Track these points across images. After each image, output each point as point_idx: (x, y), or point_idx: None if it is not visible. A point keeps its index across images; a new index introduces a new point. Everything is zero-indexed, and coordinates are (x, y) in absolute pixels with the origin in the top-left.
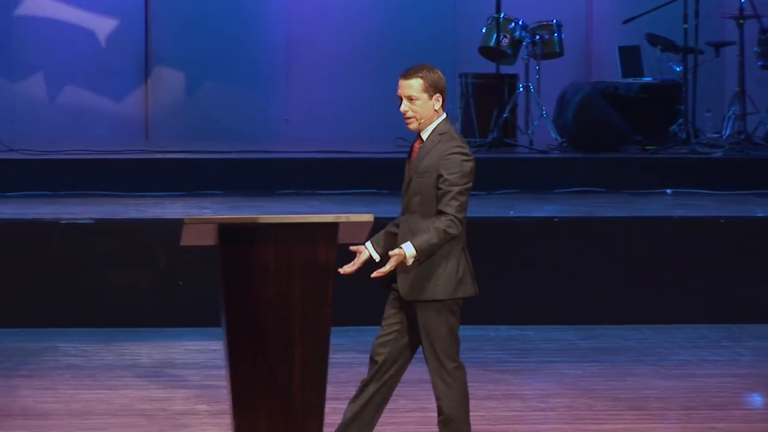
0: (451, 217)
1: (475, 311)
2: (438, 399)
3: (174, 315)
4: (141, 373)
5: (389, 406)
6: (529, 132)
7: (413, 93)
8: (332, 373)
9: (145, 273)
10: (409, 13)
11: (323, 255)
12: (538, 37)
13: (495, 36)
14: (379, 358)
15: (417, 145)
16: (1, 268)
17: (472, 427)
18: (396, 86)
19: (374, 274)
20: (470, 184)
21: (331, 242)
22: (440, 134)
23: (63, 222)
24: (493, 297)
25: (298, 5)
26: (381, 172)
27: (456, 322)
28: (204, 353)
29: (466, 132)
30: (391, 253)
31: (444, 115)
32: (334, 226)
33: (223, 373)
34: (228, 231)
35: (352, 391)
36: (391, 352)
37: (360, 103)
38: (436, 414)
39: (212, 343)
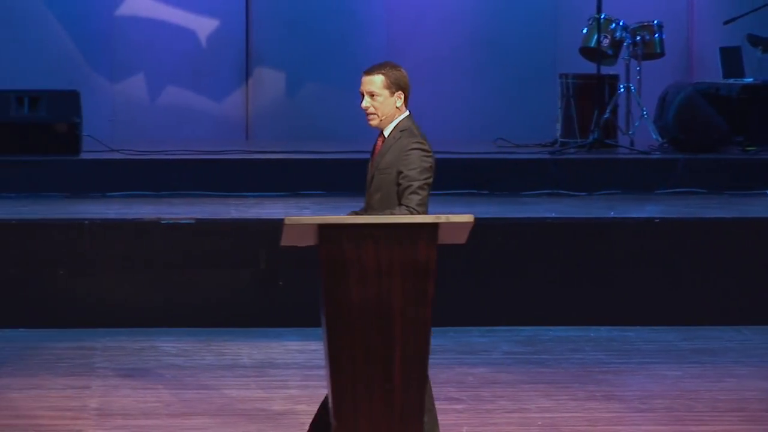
0: (412, 209)
1: (575, 312)
2: None
3: (274, 315)
4: (241, 373)
5: (487, 407)
6: (630, 132)
7: (375, 89)
8: (432, 374)
9: (246, 273)
10: (510, 13)
11: (423, 255)
12: (638, 37)
13: (596, 37)
14: None
15: (379, 142)
16: (102, 267)
17: (577, 427)
18: (495, 86)
19: None
20: (431, 180)
21: (431, 243)
22: (401, 131)
23: (164, 222)
24: (593, 298)
25: (398, 6)
26: (480, 173)
27: None
28: (304, 353)
29: (566, 132)
30: None
31: (407, 113)
32: (435, 226)
33: (323, 373)
34: (328, 231)
35: (453, 392)
36: None
37: (459, 104)
38: (536, 414)
39: (312, 344)
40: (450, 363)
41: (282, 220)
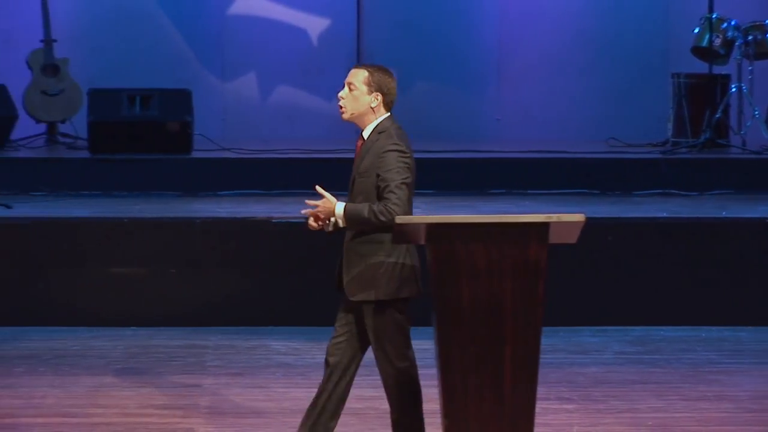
0: (389, 206)
1: (686, 311)
2: (389, 398)
3: None
4: None
5: (597, 407)
6: (742, 132)
7: (354, 81)
8: (543, 374)
9: None
10: (621, 12)
11: (534, 255)
12: (751, 37)
13: (707, 36)
14: (332, 359)
15: (359, 144)
16: (213, 266)
17: (688, 428)
18: (606, 85)
19: (305, 211)
20: (409, 179)
21: (542, 242)
22: (379, 133)
23: (275, 221)
24: (704, 298)
25: (509, 4)
26: (592, 172)
27: (403, 320)
28: (416, 352)
29: (678, 132)
30: (319, 203)
31: (387, 114)
32: (545, 226)
33: (434, 372)
34: (438, 231)
35: (564, 392)
36: (344, 354)
37: (571, 103)
38: (647, 414)
39: (423, 342)
40: (561, 363)
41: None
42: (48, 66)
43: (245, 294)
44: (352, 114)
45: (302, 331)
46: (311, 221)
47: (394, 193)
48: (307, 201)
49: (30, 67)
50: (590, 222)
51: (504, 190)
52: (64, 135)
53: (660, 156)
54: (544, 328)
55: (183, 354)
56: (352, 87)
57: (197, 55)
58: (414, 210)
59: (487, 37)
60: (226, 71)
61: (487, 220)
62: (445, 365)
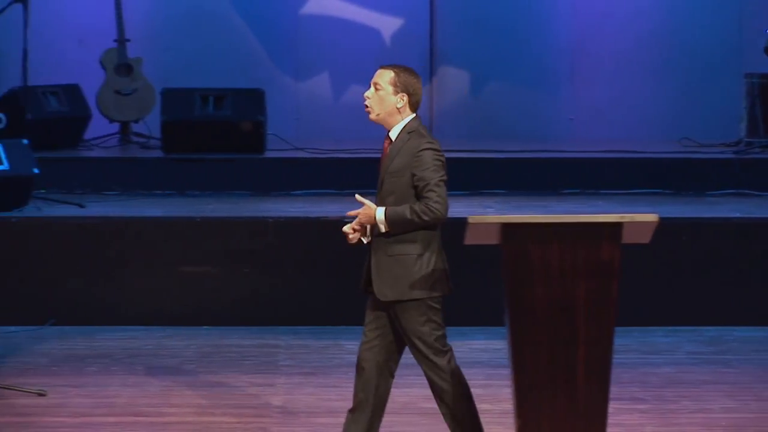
0: (430, 205)
1: (760, 312)
2: (438, 395)
3: (458, 314)
4: None
5: (670, 407)
6: None
7: (381, 82)
8: (615, 374)
9: None
10: (694, 12)
11: (607, 255)
12: None
13: None
14: (367, 365)
15: (386, 144)
16: (286, 266)
17: (762, 428)
18: (679, 85)
19: (346, 229)
20: (445, 177)
21: (615, 242)
22: (409, 132)
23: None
24: None
25: (582, 3)
26: (665, 172)
27: (438, 316)
28: (487, 352)
29: (752, 131)
30: (360, 211)
31: (413, 115)
32: (618, 226)
33: (507, 372)
34: (511, 230)
35: (637, 392)
36: (376, 358)
37: (644, 102)
38: (720, 415)
39: (496, 342)
40: (634, 363)
41: (465, 218)
42: (121, 65)
43: (318, 293)
44: (378, 114)
45: None
46: (351, 234)
47: (434, 191)
48: (349, 213)
49: (103, 67)
50: (663, 222)
51: (577, 190)
52: (137, 134)
53: (733, 156)
54: (617, 329)
55: (255, 353)
56: (378, 87)
57: (270, 54)
58: (486, 210)
59: (560, 36)
60: (299, 71)
61: (561, 220)
62: (518, 365)
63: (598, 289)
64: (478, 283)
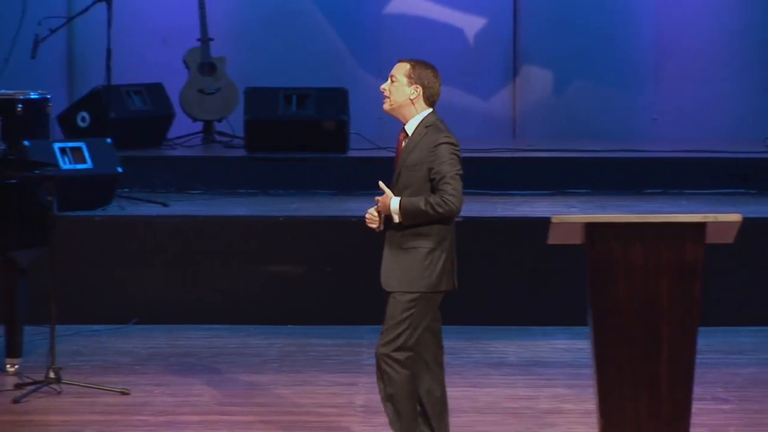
0: (445, 198)
1: None
2: (379, 382)
3: (541, 313)
4: (508, 371)
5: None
6: None
7: (396, 74)
8: (699, 374)
9: (511, 271)
10: None
11: (690, 255)
12: None
13: None
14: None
15: (402, 138)
16: (368, 265)
17: None
18: (765, 84)
19: (369, 215)
20: (461, 171)
21: (698, 242)
22: (426, 127)
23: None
24: None
25: (667, 3)
26: (749, 172)
27: (432, 314)
28: (571, 352)
29: None
30: (379, 198)
31: (430, 110)
32: (702, 226)
33: (590, 372)
34: (595, 230)
35: (720, 392)
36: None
37: (728, 102)
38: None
39: (579, 342)
40: (717, 363)
41: (549, 218)
42: (205, 64)
43: None
44: (392, 105)
45: (459, 330)
46: (368, 219)
47: (450, 184)
48: (377, 198)
49: (187, 66)
50: (747, 222)
51: (660, 190)
52: (221, 133)
53: None
54: (700, 329)
55: (339, 352)
56: (393, 79)
57: (354, 53)
58: (569, 209)
59: (644, 35)
60: (382, 70)
61: (644, 220)
62: (601, 365)
63: (681, 288)
64: (562, 283)
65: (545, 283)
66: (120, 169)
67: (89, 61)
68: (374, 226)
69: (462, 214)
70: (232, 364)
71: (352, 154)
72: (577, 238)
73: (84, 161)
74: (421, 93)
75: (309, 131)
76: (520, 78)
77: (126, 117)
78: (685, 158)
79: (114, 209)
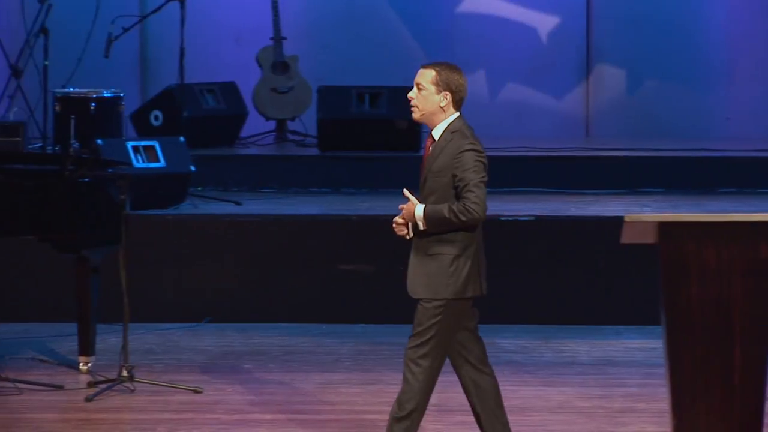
0: (468, 206)
1: None
2: (406, 388)
3: (613, 313)
4: (580, 370)
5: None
6: None
7: (422, 82)
8: None
9: (584, 270)
10: None
11: (764, 254)
12: None
13: None
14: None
15: (429, 143)
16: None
17: None
18: None
19: (395, 224)
20: (486, 179)
21: None
22: (452, 132)
23: (503, 218)
24: None
25: (739, 2)
26: None
27: (457, 321)
28: (644, 351)
29: None
30: (403, 206)
31: (457, 114)
32: None
33: (663, 371)
34: (668, 229)
35: None
36: (451, 354)
37: None
38: None
39: (652, 342)
40: None
41: (622, 217)
42: (278, 63)
43: None
44: (422, 114)
45: (530, 329)
46: (396, 227)
47: (473, 191)
48: (401, 206)
49: (260, 65)
50: None
51: (733, 189)
52: (293, 132)
53: None
54: None
55: None
56: (420, 87)
57: (426, 52)
58: (642, 209)
59: (717, 33)
60: None
61: (718, 219)
62: (673, 364)
63: (754, 288)
64: (634, 282)
65: (618, 283)
66: (193, 168)
67: (162, 59)
68: (403, 233)
69: (535, 213)
70: (304, 362)
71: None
72: (650, 238)
73: (157, 160)
74: (450, 99)
75: (381, 130)
76: (593, 77)
77: (199, 116)
78: (759, 158)
79: (187, 208)
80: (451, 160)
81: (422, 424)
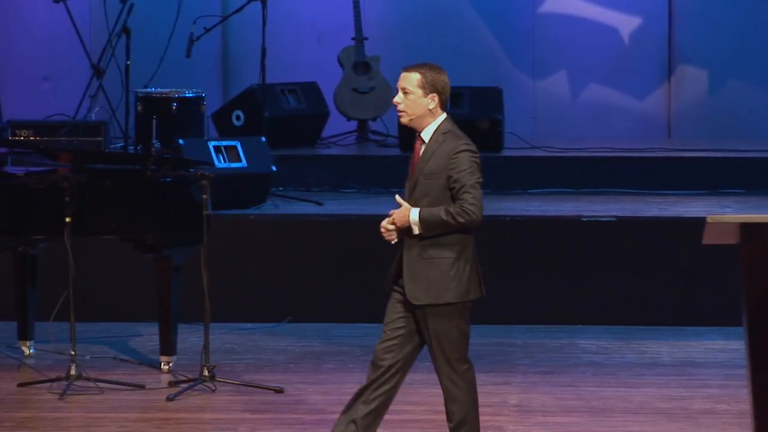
0: (465, 207)
1: None
2: (449, 403)
3: (695, 314)
4: (661, 371)
5: None
6: None
7: (408, 86)
8: None
9: (666, 271)
10: None
11: None
12: None
13: None
14: (384, 363)
15: (418, 145)
16: (523, 264)
17: None
18: None
19: (384, 229)
20: (481, 179)
21: None
22: (443, 133)
23: (584, 219)
24: None
25: None
26: None
27: (467, 324)
28: (725, 352)
29: None
30: (395, 212)
31: (444, 115)
32: None
33: (744, 372)
34: (750, 230)
35: None
36: (395, 358)
37: None
38: None
39: (733, 343)
40: None
41: (703, 218)
42: (359, 64)
43: (555, 292)
44: (411, 119)
45: (611, 330)
46: (384, 232)
47: (470, 193)
48: (392, 211)
49: (341, 65)
50: None
51: None
52: (375, 132)
53: None
54: None
55: (492, 352)
56: (407, 91)
57: (507, 53)
58: (724, 209)
59: None
60: (536, 69)
61: None
62: (755, 365)
63: None
64: (716, 283)
65: (699, 283)
66: (274, 168)
67: (244, 59)
68: (392, 238)
69: (616, 213)
70: None
71: (506, 153)
72: (731, 238)
73: (238, 160)
74: (438, 100)
75: (463, 130)
76: (675, 77)
77: (280, 116)
78: None
79: (268, 208)
80: (447, 161)
81: (503, 425)
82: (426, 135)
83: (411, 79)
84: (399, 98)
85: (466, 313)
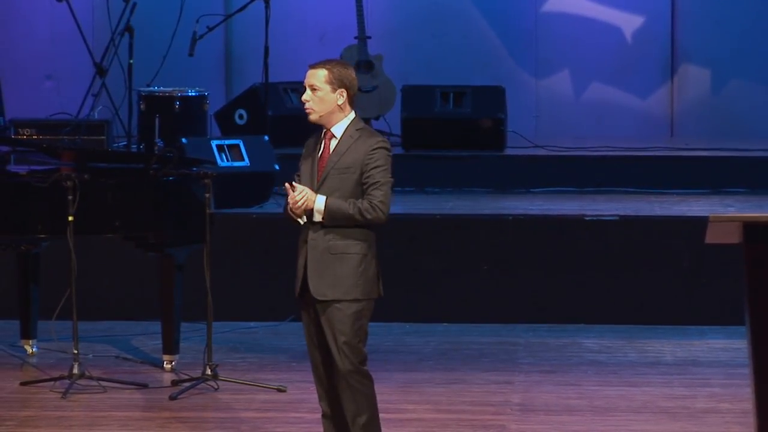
0: (374, 204)
1: None
2: (346, 401)
3: (697, 313)
4: (663, 370)
5: None
6: None
7: (316, 82)
8: None
9: (669, 270)
10: None
11: None
12: None
13: None
14: (324, 367)
15: (328, 141)
16: (525, 263)
17: None
18: None
19: (293, 201)
20: (393, 180)
21: None
22: (357, 129)
23: (587, 218)
24: None
25: None
26: None
27: (366, 323)
28: (728, 351)
29: None
30: (294, 194)
31: (353, 112)
32: None
33: (747, 371)
34: (753, 229)
35: None
36: (327, 357)
37: None
38: None
39: (736, 342)
40: None
41: (706, 217)
42: (362, 62)
43: (556, 291)
44: (320, 116)
45: (614, 329)
46: (295, 205)
47: (381, 190)
48: (291, 193)
49: None
50: None
51: None
52: (378, 131)
53: None
54: None
55: (494, 351)
56: (315, 88)
57: (510, 52)
58: (726, 209)
59: None
60: (539, 68)
61: None
62: (758, 365)
63: None
64: (718, 282)
65: (702, 283)
66: (277, 167)
67: (246, 58)
68: (299, 213)
69: (619, 212)
70: (387, 361)
71: (508, 152)
72: (734, 238)
73: (241, 158)
74: (347, 96)
75: (465, 129)
76: (678, 77)
77: (283, 114)
78: None
79: (271, 206)
80: (363, 157)
81: (506, 424)
82: (337, 131)
83: (318, 76)
84: (307, 96)
85: (370, 311)
